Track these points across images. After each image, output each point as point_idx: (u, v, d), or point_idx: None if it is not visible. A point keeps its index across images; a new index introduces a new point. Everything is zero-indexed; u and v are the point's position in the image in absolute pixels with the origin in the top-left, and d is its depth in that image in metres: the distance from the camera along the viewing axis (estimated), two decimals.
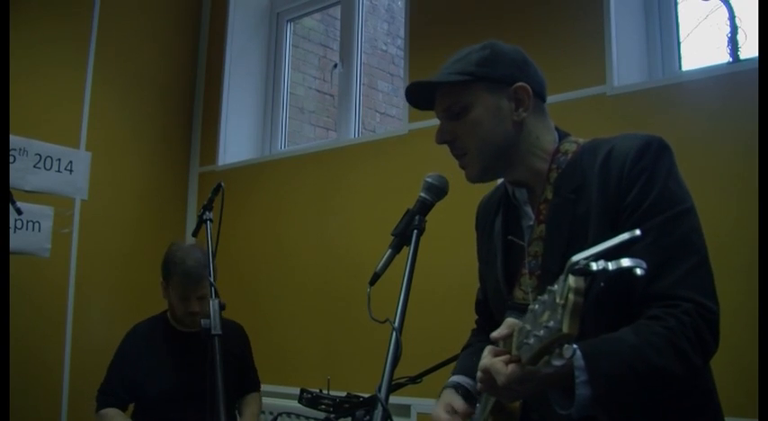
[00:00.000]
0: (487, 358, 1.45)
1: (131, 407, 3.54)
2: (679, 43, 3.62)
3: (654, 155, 1.66)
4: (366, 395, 2.97)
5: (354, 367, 4.19)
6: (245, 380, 3.71)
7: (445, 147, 3.93)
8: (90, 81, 4.92)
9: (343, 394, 3.11)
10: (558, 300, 1.19)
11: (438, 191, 1.89)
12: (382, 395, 1.55)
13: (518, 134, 1.82)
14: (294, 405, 3.40)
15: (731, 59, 3.34)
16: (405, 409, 3.91)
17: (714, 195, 2.92)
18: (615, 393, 1.44)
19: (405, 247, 1.80)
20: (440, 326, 3.76)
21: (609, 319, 1.57)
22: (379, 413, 1.53)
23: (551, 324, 1.20)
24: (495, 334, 1.47)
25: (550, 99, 1.91)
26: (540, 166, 1.82)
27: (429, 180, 1.91)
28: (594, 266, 1.19)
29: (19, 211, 3.44)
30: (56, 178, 4.69)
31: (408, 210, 1.85)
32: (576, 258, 1.21)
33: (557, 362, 1.23)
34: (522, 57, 1.86)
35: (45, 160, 4.63)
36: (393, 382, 1.61)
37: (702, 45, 3.62)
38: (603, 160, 1.70)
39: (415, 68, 4.35)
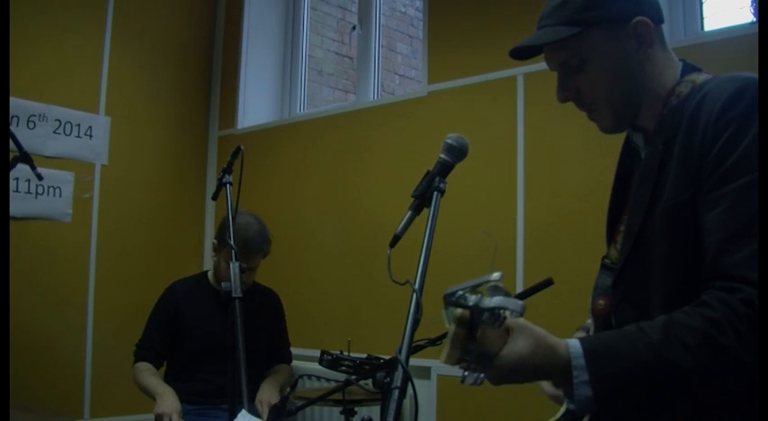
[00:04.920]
0: None
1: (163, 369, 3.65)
2: (701, 3, 3.56)
3: (747, 103, 1.42)
4: (386, 357, 2.98)
5: (375, 329, 4.21)
6: (274, 350, 3.76)
7: (465, 109, 3.91)
8: (108, 46, 4.91)
9: (364, 356, 3.13)
10: (446, 324, 1.19)
11: (458, 152, 1.84)
12: (402, 357, 1.55)
13: (643, 73, 1.63)
14: (315, 367, 3.42)
15: (755, 19, 3.28)
16: (425, 371, 3.92)
17: None
18: (623, 395, 1.34)
19: (425, 209, 1.79)
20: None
21: (677, 291, 1.46)
22: (399, 375, 1.53)
23: (443, 350, 1.23)
24: None
25: None
26: (657, 108, 1.63)
27: (449, 141, 1.84)
28: (468, 300, 1.18)
29: (40, 177, 3.45)
30: (76, 143, 4.70)
31: (428, 172, 1.82)
32: (451, 289, 1.19)
33: (468, 380, 1.27)
34: None
35: (65, 126, 4.64)
36: (413, 344, 1.61)
37: (725, 5, 3.56)
38: (695, 108, 1.50)
39: (434, 30, 4.31)
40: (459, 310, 1.20)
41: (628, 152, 1.80)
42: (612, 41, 1.62)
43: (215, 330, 3.50)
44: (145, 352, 3.61)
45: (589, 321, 1.81)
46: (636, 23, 1.60)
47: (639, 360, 1.32)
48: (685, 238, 1.46)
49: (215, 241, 3.60)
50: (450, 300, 1.22)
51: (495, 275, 1.27)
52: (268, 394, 3.57)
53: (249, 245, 3.47)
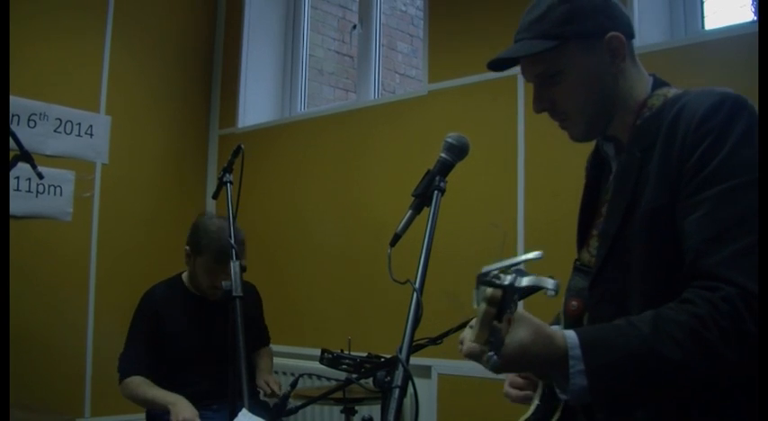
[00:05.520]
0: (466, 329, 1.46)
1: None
2: (702, 2, 3.56)
3: (726, 114, 1.49)
4: (387, 355, 2.98)
5: (375, 328, 4.21)
6: (257, 338, 3.74)
7: (465, 108, 3.91)
8: (109, 45, 4.92)
9: (364, 354, 3.13)
10: (474, 306, 1.20)
11: (458, 151, 1.85)
12: (403, 356, 1.55)
13: (616, 85, 1.70)
14: (315, 365, 3.42)
15: (755, 18, 3.28)
16: (425, 370, 3.93)
17: None
18: (616, 386, 1.37)
19: (425, 208, 1.79)
20: (460, 286, 3.76)
21: (655, 291, 1.50)
22: (399, 373, 1.53)
23: (472, 326, 1.23)
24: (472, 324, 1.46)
25: None
26: (629, 119, 1.70)
27: (449, 140, 1.85)
28: (503, 280, 1.20)
29: (40, 176, 3.44)
30: (76, 142, 4.70)
31: (429, 171, 1.83)
32: (486, 269, 1.21)
33: (485, 360, 1.28)
34: (604, 1, 1.70)
35: (65, 124, 4.64)
36: (414, 343, 1.61)
37: (726, 4, 3.56)
38: (673, 118, 1.56)
39: (435, 29, 4.31)
40: (489, 290, 1.21)
41: (597, 161, 1.86)
42: (588, 55, 1.68)
43: (195, 334, 3.47)
44: (134, 366, 3.43)
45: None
46: (610, 38, 1.67)
47: (632, 351, 1.36)
48: (664, 240, 1.51)
49: (187, 248, 3.47)
50: (485, 280, 1.22)
51: (535, 254, 1.29)
52: (271, 376, 3.57)
53: (225, 253, 3.28)
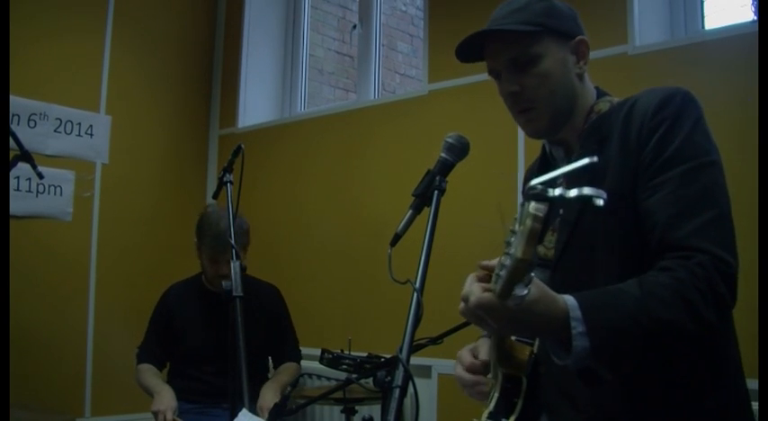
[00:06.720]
0: (467, 283, 1.48)
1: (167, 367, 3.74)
2: (702, 1, 3.56)
3: (677, 105, 1.62)
4: (387, 355, 2.98)
5: (375, 328, 4.21)
6: (281, 345, 3.73)
7: (466, 108, 3.90)
8: (109, 45, 4.92)
9: (365, 354, 3.13)
10: (517, 227, 1.19)
11: (458, 151, 1.85)
12: (403, 356, 1.55)
13: (580, 85, 1.82)
14: (315, 365, 3.42)
15: (756, 18, 3.28)
16: (426, 370, 3.92)
17: (736, 156, 2.89)
18: (616, 346, 1.41)
19: (425, 208, 1.79)
20: (461, 286, 3.75)
21: (620, 273, 1.55)
22: (400, 373, 1.53)
23: (512, 251, 1.20)
24: (482, 263, 1.49)
25: None
26: (578, 123, 1.81)
27: (449, 140, 1.86)
28: (551, 192, 1.20)
29: (40, 176, 3.44)
30: (76, 142, 4.70)
31: (429, 171, 1.83)
32: (534, 182, 1.21)
33: (518, 292, 1.25)
34: (573, 11, 1.85)
35: (65, 124, 4.64)
36: (414, 343, 1.61)
37: (726, 3, 3.56)
38: (626, 112, 1.68)
39: (435, 29, 4.31)
40: (533, 205, 1.19)
41: (544, 167, 1.92)
42: (561, 49, 1.79)
43: (205, 332, 3.56)
44: (145, 355, 3.66)
45: None
46: (579, 41, 1.81)
47: (628, 312, 1.42)
48: (627, 223, 1.61)
49: (195, 240, 3.61)
50: (532, 194, 1.20)
51: (588, 160, 1.31)
52: (268, 401, 3.54)
53: (221, 238, 3.39)
